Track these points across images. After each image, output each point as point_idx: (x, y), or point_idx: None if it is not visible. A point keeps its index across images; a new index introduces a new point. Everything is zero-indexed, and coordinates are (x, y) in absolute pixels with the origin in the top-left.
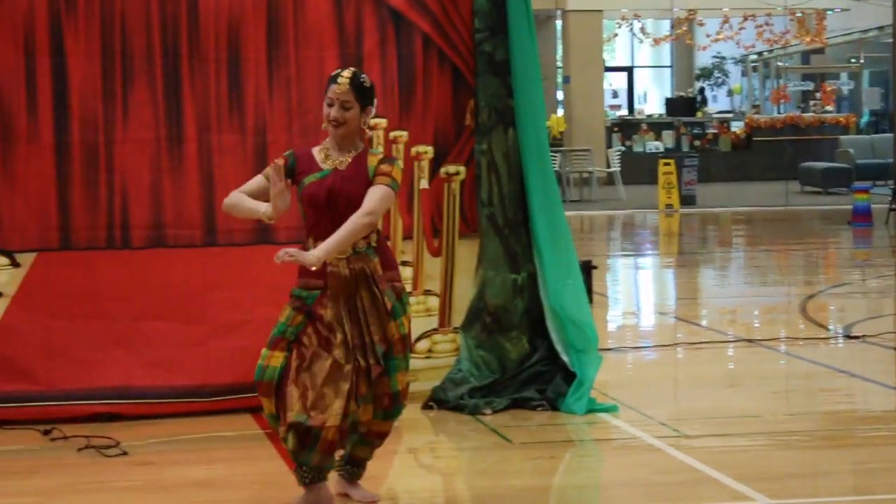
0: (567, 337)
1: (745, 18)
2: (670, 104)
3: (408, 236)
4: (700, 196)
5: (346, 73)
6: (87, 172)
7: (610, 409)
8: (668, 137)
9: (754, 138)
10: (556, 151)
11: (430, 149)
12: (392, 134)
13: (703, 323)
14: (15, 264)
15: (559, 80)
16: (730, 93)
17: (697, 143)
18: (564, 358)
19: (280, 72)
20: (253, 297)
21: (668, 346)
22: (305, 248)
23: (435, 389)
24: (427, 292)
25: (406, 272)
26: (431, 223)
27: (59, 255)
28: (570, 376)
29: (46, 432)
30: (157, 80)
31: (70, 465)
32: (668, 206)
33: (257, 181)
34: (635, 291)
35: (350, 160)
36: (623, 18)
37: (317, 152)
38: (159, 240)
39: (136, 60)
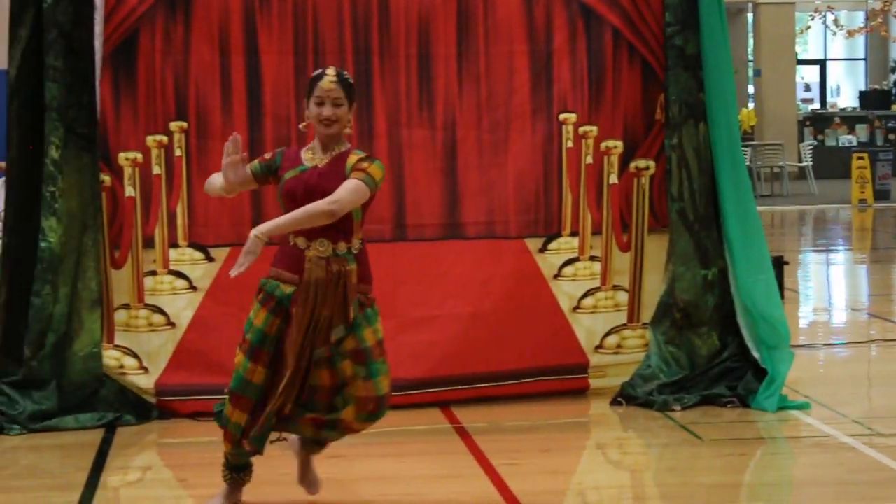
0: (758, 333)
1: None
2: (864, 97)
3: (597, 231)
4: (895, 191)
5: (332, 70)
6: None
7: (802, 407)
8: (862, 131)
9: None
10: (747, 146)
11: (619, 143)
12: (581, 129)
13: None
14: (209, 259)
15: (750, 73)
16: None
17: (892, 136)
18: (755, 354)
19: (470, 67)
20: (442, 292)
21: (862, 342)
22: (288, 245)
23: (624, 385)
24: (616, 287)
25: (594, 267)
26: (620, 218)
27: None
28: (761, 373)
29: None
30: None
31: (262, 457)
32: (862, 200)
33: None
34: (827, 287)
35: (329, 158)
36: (816, 10)
37: (304, 151)
38: None
39: (327, 57)
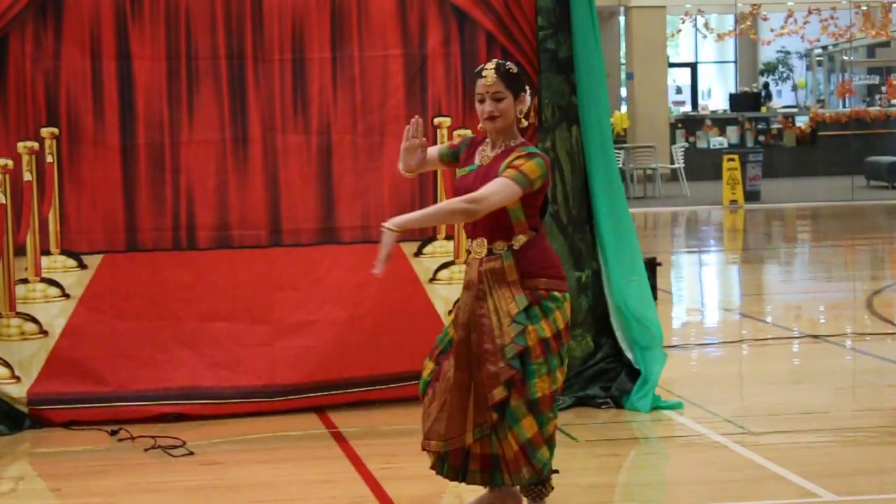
0: (631, 334)
1: (810, 12)
2: (734, 99)
3: None
4: (765, 192)
5: (491, 64)
6: (153, 174)
7: (675, 406)
8: (733, 133)
9: (819, 133)
10: (619, 148)
11: None
12: (456, 132)
13: (769, 319)
14: (82, 266)
15: (623, 76)
16: (794, 87)
17: (762, 138)
18: (629, 355)
19: (344, 72)
20: (318, 298)
21: (734, 342)
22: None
23: None
24: None
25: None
26: None
27: (126, 257)
28: (634, 374)
29: (113, 433)
30: (223, 82)
31: (137, 466)
32: (733, 201)
33: (432, 149)
34: (700, 288)
35: (494, 156)
36: (686, 14)
37: (482, 146)
38: (225, 241)
39: (200, 62)
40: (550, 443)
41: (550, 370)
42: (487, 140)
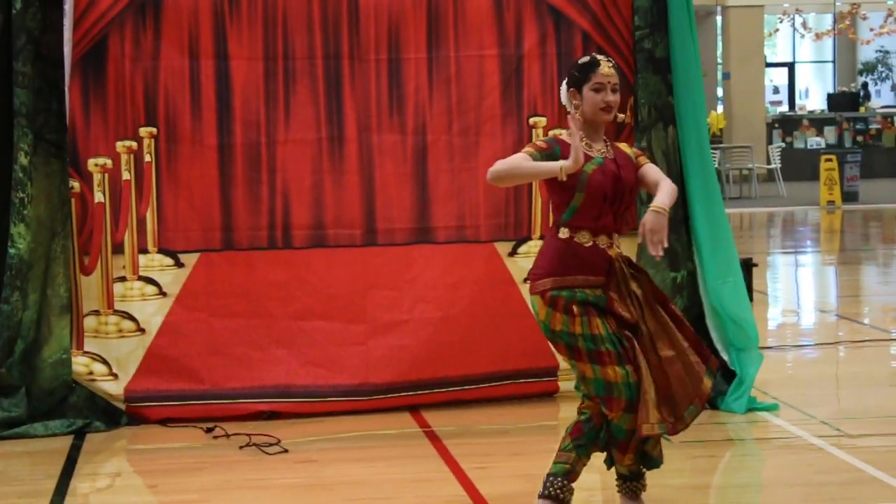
0: (727, 335)
1: None
2: (832, 99)
3: None
4: (863, 192)
5: (603, 56)
6: (250, 173)
7: (770, 408)
8: (830, 133)
9: None
10: (716, 148)
11: None
12: (551, 132)
13: (866, 321)
14: (179, 264)
15: (719, 76)
16: (894, 87)
17: (860, 138)
18: (724, 356)
19: (440, 72)
20: (412, 297)
21: (830, 344)
22: (572, 242)
23: None
24: None
25: None
26: None
27: (222, 256)
28: (729, 375)
29: (209, 430)
30: (319, 82)
31: (232, 463)
32: (830, 202)
33: (522, 157)
34: (796, 289)
35: (610, 148)
36: (784, 13)
37: (572, 140)
38: (320, 240)
39: (297, 62)
40: None
41: None
42: (573, 133)
